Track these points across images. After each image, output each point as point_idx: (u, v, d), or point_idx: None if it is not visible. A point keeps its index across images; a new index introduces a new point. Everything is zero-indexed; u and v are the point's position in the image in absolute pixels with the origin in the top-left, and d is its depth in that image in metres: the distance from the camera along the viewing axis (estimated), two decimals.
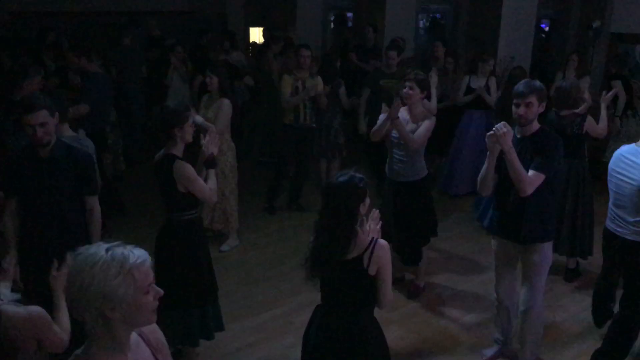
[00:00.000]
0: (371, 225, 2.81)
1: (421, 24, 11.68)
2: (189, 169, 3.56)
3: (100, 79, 6.19)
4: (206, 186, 3.64)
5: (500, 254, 3.88)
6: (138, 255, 1.69)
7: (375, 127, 4.73)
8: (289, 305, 4.64)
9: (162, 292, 1.74)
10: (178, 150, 3.61)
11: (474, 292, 5.02)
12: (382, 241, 2.75)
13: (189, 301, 3.69)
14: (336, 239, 2.71)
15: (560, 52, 10.29)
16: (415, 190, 4.66)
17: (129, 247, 1.70)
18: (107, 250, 1.65)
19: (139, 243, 1.73)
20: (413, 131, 4.51)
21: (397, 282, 5.05)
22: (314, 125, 6.50)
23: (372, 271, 2.71)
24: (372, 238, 2.74)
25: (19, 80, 4.94)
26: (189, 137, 3.61)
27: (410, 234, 4.74)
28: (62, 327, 2.49)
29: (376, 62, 7.73)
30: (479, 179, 3.72)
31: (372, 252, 2.70)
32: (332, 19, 12.23)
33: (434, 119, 4.59)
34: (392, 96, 5.92)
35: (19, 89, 4.86)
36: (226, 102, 5.37)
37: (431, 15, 12.00)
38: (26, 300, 2.74)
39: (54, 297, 2.61)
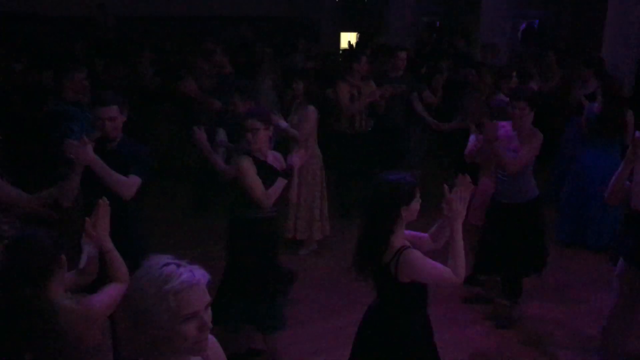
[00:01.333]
0: (456, 203, 2.65)
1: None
2: (246, 164, 3.59)
3: (233, 80, 6.41)
4: (261, 188, 3.62)
5: (629, 282, 3.43)
6: (185, 279, 1.55)
7: (468, 149, 4.51)
8: (360, 313, 4.55)
9: (210, 325, 1.59)
10: (254, 149, 3.66)
11: (553, 313, 4.74)
12: (410, 252, 2.64)
13: (253, 294, 3.76)
14: (371, 239, 2.67)
15: None
16: (521, 213, 4.26)
17: (188, 267, 1.58)
18: (164, 265, 1.57)
19: None
20: (518, 150, 4.16)
21: (485, 302, 4.86)
22: (370, 129, 6.41)
23: (402, 279, 2.63)
24: (401, 246, 2.65)
25: (61, 80, 4.93)
26: (257, 141, 3.62)
27: (511, 263, 4.37)
28: (119, 275, 2.53)
29: (467, 70, 7.54)
30: (609, 185, 3.38)
31: (397, 262, 2.62)
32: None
33: (540, 137, 4.20)
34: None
35: (64, 88, 4.84)
36: (311, 109, 5.42)
37: (527, 21, 11.54)
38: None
39: (103, 247, 2.58)
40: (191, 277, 1.56)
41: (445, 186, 2.72)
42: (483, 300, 4.88)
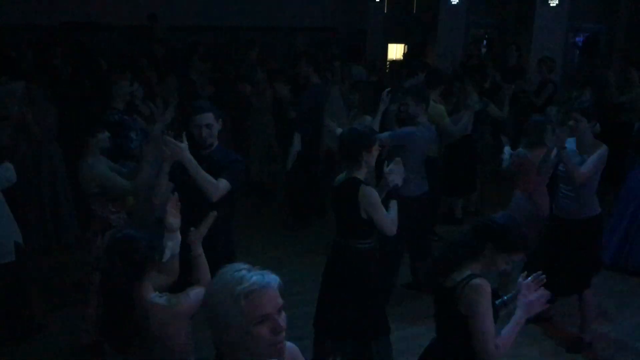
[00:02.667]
0: (535, 302, 2.59)
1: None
2: (376, 195, 3.43)
3: (318, 90, 6.50)
4: (388, 216, 3.46)
5: None
6: (256, 281, 1.59)
7: (507, 163, 4.58)
8: (422, 327, 4.50)
9: (283, 327, 1.62)
10: (361, 174, 3.48)
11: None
12: (485, 283, 2.49)
13: (358, 332, 3.60)
14: (444, 258, 2.62)
15: None
16: (577, 230, 4.22)
17: (259, 272, 1.63)
18: (236, 271, 1.62)
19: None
20: (580, 164, 4.13)
21: (544, 320, 4.75)
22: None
23: (463, 310, 2.49)
24: (476, 273, 2.53)
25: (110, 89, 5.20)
26: (373, 161, 3.52)
27: (559, 280, 4.20)
28: (204, 280, 2.60)
29: (519, 82, 7.48)
30: None
31: (464, 286, 2.48)
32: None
33: (605, 147, 4.18)
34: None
35: (114, 98, 5.09)
36: (368, 119, 5.42)
37: (585, 34, 11.28)
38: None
39: (194, 251, 2.69)
40: (261, 279, 1.60)
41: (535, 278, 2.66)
42: (542, 319, 4.78)
